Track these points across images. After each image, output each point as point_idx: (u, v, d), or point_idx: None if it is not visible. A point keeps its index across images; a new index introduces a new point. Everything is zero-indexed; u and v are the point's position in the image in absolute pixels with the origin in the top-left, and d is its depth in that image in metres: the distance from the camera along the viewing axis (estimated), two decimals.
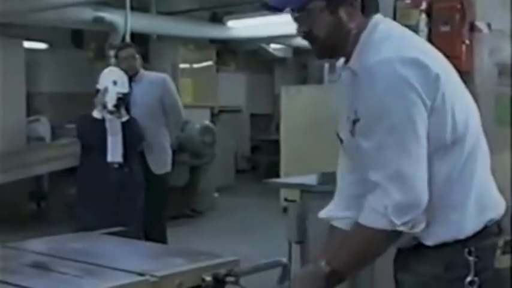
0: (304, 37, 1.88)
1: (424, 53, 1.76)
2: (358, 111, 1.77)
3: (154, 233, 5.02)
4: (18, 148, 8.56)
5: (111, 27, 8.61)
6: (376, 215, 1.72)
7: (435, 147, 1.73)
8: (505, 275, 1.78)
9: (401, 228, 1.71)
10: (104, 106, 4.64)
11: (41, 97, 9.68)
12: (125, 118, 4.77)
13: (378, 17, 1.85)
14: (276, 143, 9.85)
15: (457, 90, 1.81)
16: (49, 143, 9.00)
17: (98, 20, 8.52)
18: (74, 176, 8.35)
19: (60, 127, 9.22)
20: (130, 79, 5.27)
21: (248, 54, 12.44)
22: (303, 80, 12.16)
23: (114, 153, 4.63)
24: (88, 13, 8.42)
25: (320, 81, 9.50)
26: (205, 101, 10.04)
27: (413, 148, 1.70)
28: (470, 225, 1.76)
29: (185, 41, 9.81)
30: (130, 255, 2.31)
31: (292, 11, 1.88)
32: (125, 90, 4.74)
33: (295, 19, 1.89)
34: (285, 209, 5.14)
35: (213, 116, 10.24)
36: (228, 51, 11.59)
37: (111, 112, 4.64)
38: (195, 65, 10.18)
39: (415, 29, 3.21)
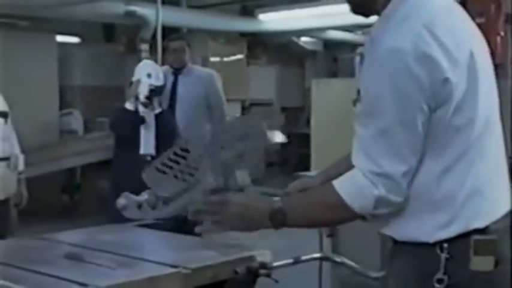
0: None
1: (444, 44, 1.59)
2: (360, 90, 1.68)
3: (188, 226, 5.02)
4: (51, 141, 8.66)
5: (142, 21, 8.65)
6: (358, 193, 1.62)
7: (430, 147, 1.62)
8: (486, 279, 1.60)
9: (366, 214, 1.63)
10: (137, 97, 4.66)
11: (73, 91, 9.78)
12: (158, 110, 4.78)
13: None
14: (307, 136, 9.82)
15: (477, 89, 1.64)
16: (81, 136, 9.10)
17: (130, 14, 8.57)
18: (105, 169, 8.46)
19: (92, 120, 9.32)
20: (178, 72, 5.28)
21: (279, 48, 12.41)
22: (334, 73, 12.10)
23: (147, 145, 4.64)
24: (120, 7, 8.48)
25: (351, 74, 9.44)
26: (235, 95, 10.04)
27: (406, 154, 1.60)
28: (445, 231, 1.62)
29: (216, 34, 9.83)
30: (162, 247, 2.32)
31: None
32: (159, 83, 4.73)
33: None
34: None
35: (244, 110, 10.24)
36: (258, 44, 11.58)
37: (143, 104, 4.66)
38: (226, 59, 10.19)
39: None
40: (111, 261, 1.93)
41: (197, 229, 1.77)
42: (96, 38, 10.41)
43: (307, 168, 9.20)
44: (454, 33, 1.64)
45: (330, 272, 3.78)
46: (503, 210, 1.68)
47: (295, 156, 12.23)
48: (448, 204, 1.62)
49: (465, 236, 1.60)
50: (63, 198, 9.32)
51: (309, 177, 2.32)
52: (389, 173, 1.59)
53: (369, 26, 1.81)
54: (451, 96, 1.59)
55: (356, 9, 1.79)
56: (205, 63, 9.37)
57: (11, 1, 7.27)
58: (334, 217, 1.71)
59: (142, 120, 4.63)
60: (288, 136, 13.06)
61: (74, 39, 10.17)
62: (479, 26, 1.83)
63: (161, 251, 2.25)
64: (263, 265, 2.04)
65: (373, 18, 1.77)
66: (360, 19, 1.88)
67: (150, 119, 4.67)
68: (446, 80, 1.58)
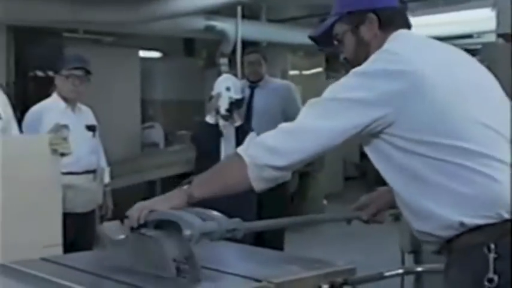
0: (345, 60, 2.02)
1: (415, 66, 1.74)
2: None
3: (271, 240, 4.99)
4: (133, 154, 8.84)
5: (222, 35, 8.76)
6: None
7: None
8: None
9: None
10: (217, 111, 4.71)
11: (154, 104, 9.96)
12: (238, 123, 4.82)
13: (398, 32, 1.90)
14: None
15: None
16: (162, 149, 9.25)
17: (210, 29, 8.69)
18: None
19: (173, 133, 9.47)
20: (254, 85, 5.31)
21: None
22: None
23: None
24: (200, 22, 8.61)
25: None
26: None
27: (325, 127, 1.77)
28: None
29: (295, 47, 9.83)
30: (246, 261, 2.32)
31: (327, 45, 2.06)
32: (238, 96, 4.77)
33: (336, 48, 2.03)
34: (397, 217, 5.02)
35: None
36: (337, 57, 11.52)
37: (224, 117, 4.70)
38: (305, 72, 10.18)
39: None
40: None
41: None
42: (176, 52, 10.59)
43: (386, 182, 9.02)
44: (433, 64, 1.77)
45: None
46: None
47: (374, 169, 12.04)
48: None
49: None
50: None
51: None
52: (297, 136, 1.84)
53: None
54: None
55: (354, 65, 1.93)
56: (284, 76, 9.39)
57: (96, 18, 7.49)
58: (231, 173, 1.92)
59: (221, 134, 4.68)
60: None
61: (156, 54, 10.39)
62: None
63: (245, 265, 2.25)
64: (346, 281, 2.02)
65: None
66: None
67: (231, 132, 4.71)
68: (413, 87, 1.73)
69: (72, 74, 4.28)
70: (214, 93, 4.78)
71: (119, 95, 8.62)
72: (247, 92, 5.33)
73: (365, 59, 1.85)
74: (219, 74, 8.30)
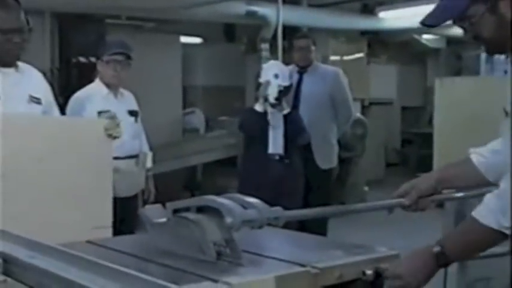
0: (473, 39, 1.84)
1: None
2: None
3: (315, 226, 4.98)
4: (175, 139, 8.90)
5: (263, 20, 8.73)
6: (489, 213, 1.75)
7: None
8: None
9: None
10: (266, 99, 4.70)
11: (195, 90, 10.01)
12: (286, 111, 4.81)
13: None
14: (428, 136, 9.56)
15: None
16: (203, 135, 9.30)
17: (250, 14, 8.67)
18: (225, 167, 8.59)
19: (213, 119, 9.50)
20: (303, 70, 5.28)
21: (399, 46, 12.17)
22: (457, 71, 11.72)
23: (275, 145, 4.68)
24: (241, 7, 8.59)
25: (476, 72, 9.10)
26: (355, 93, 9.90)
27: None
28: None
29: (336, 33, 9.76)
30: (289, 246, 2.31)
31: (454, 23, 1.84)
32: (286, 83, 4.75)
33: (459, 26, 1.85)
34: (440, 204, 4.96)
35: (364, 109, 10.11)
36: (379, 42, 11.41)
37: (272, 105, 4.69)
38: (346, 57, 10.10)
39: None
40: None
41: None
42: (217, 38, 10.61)
43: (428, 169, 8.94)
44: None
45: (455, 275, 3.67)
46: None
47: (415, 156, 11.95)
48: None
49: None
50: (185, 194, 9.56)
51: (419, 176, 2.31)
52: None
53: None
54: None
55: (493, 52, 1.86)
56: (325, 61, 9.33)
57: (138, 4, 7.53)
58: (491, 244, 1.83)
59: (269, 122, 4.68)
60: (408, 136, 12.81)
61: (197, 40, 10.41)
62: None
63: (287, 249, 2.24)
64: None
65: None
66: None
67: (279, 119, 4.70)
68: None
69: (113, 59, 4.30)
70: (262, 80, 4.75)
71: (160, 81, 8.67)
72: (296, 77, 5.30)
73: (507, 39, 1.73)
74: (260, 59, 8.30)
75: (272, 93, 4.67)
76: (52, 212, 2.97)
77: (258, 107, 4.79)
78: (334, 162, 5.48)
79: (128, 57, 4.36)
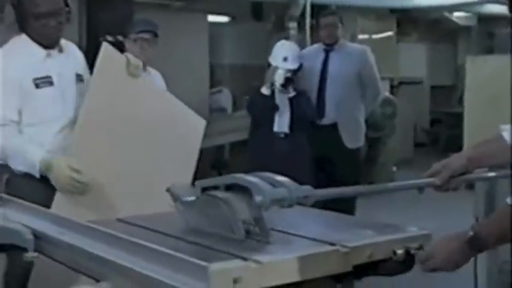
0: None
1: None
2: None
3: (343, 206, 4.94)
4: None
5: None
6: None
7: None
8: None
9: None
10: (272, 84, 4.84)
11: (222, 69, 9.99)
12: (292, 94, 4.91)
13: None
14: (457, 116, 9.44)
15: None
16: (230, 114, 9.28)
17: None
18: None
19: (240, 98, 9.48)
20: (329, 48, 5.25)
21: (430, 24, 12.00)
22: (489, 50, 11.54)
23: (281, 124, 4.80)
24: None
25: (508, 50, 8.95)
26: (384, 73, 9.80)
27: None
28: None
29: (365, 11, 9.65)
30: (318, 225, 2.30)
31: None
32: (295, 66, 4.86)
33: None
34: (471, 184, 4.91)
35: (393, 88, 10.01)
36: (408, 20, 11.25)
37: (278, 90, 4.83)
38: (375, 36, 9.99)
39: None
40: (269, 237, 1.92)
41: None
42: (245, 16, 10.55)
43: (458, 148, 8.84)
44: None
45: (486, 257, 3.63)
46: None
47: (445, 136, 11.83)
48: None
49: None
50: (213, 174, 9.58)
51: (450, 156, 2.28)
52: None
53: None
54: None
55: None
56: (353, 40, 9.23)
57: None
58: None
59: (276, 108, 4.79)
60: (438, 115, 12.68)
61: (224, 19, 10.36)
62: None
63: (316, 228, 2.23)
64: (422, 247, 1.96)
65: None
66: None
67: (285, 102, 4.83)
68: None
69: (139, 37, 4.34)
70: (271, 60, 4.87)
71: (187, 60, 8.66)
72: (322, 56, 5.25)
73: None
74: (287, 38, 8.23)
75: (278, 80, 4.79)
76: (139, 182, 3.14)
77: (265, 90, 4.94)
78: (361, 142, 5.43)
79: (155, 35, 4.37)
